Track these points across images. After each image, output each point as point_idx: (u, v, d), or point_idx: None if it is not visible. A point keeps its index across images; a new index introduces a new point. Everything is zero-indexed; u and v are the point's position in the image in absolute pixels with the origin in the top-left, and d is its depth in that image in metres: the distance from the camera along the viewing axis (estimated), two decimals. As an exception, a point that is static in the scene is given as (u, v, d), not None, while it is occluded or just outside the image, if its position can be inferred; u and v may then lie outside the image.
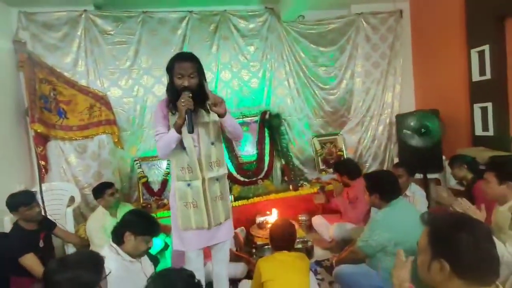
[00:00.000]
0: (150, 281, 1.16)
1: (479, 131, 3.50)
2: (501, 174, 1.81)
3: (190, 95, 1.76)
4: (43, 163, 3.28)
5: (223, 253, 2.10)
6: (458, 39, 3.66)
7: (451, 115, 3.77)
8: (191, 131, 1.77)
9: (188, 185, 1.93)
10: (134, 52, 3.61)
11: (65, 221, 3.04)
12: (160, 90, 3.68)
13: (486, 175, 1.90)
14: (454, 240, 0.98)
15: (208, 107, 1.83)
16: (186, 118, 1.75)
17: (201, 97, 1.84)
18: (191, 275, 1.18)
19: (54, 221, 2.72)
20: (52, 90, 3.33)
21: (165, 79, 3.67)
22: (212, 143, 1.96)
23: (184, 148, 1.90)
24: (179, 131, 1.81)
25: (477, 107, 3.49)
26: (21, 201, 2.30)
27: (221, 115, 1.83)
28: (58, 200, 3.20)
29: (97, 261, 1.23)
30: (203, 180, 1.93)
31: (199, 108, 1.86)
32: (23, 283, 2.17)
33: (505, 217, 1.91)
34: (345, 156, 4.16)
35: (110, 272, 1.28)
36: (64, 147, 3.42)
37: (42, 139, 3.31)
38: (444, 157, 3.60)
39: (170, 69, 1.86)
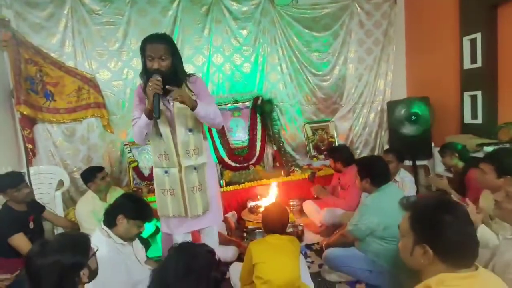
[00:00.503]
0: (172, 252, 1.14)
1: (468, 119, 3.55)
2: (501, 168, 1.78)
3: (159, 78, 1.69)
4: (30, 146, 3.22)
5: (210, 237, 2.12)
6: (451, 26, 3.66)
7: (441, 103, 3.80)
8: (157, 116, 1.71)
9: (166, 172, 1.92)
10: (123, 33, 3.50)
11: (54, 205, 3.01)
12: (151, 73, 3.60)
13: (483, 166, 1.88)
14: (436, 224, 0.99)
15: (172, 102, 1.78)
16: (154, 103, 1.68)
17: (174, 80, 1.78)
18: (210, 251, 1.17)
19: (43, 204, 2.69)
20: (39, 71, 3.23)
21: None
22: (190, 130, 1.91)
23: (161, 135, 1.86)
24: (149, 117, 1.77)
25: (467, 95, 3.53)
26: (7, 183, 2.27)
27: (191, 108, 1.78)
28: (46, 184, 3.15)
29: (81, 242, 1.22)
30: (180, 167, 1.90)
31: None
32: (12, 264, 2.14)
33: (489, 202, 1.96)
34: (336, 143, 4.18)
35: (97, 249, 1.26)
36: (52, 130, 3.35)
37: (29, 122, 3.23)
38: (433, 144, 3.66)
39: (142, 51, 1.79)
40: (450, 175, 3.01)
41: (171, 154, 1.88)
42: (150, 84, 1.69)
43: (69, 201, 3.33)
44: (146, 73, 1.78)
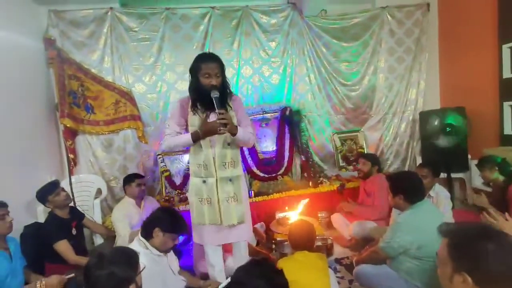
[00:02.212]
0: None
1: (508, 130, 3.37)
2: None
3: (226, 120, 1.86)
4: (72, 156, 3.43)
5: (242, 251, 2.17)
6: (488, 33, 3.51)
7: (478, 113, 3.64)
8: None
9: (204, 181, 2.02)
10: (157, 48, 3.67)
11: (93, 212, 3.18)
12: (183, 86, 3.73)
13: None
14: (475, 253, 0.97)
15: (219, 129, 1.90)
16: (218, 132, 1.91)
17: (224, 96, 1.97)
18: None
19: (83, 211, 2.85)
20: (80, 86, 3.46)
21: (187, 76, 3.78)
22: (228, 144, 2.03)
23: (201, 146, 1.99)
24: (195, 140, 1.94)
25: (507, 105, 3.36)
26: (46, 190, 2.45)
27: (232, 134, 1.95)
28: (86, 192, 3.34)
29: (132, 257, 1.30)
30: (217, 178, 2.00)
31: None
32: (57, 269, 2.29)
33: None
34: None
35: (144, 267, 1.35)
36: (92, 141, 3.56)
37: (71, 133, 3.45)
38: (469, 156, 3.50)
39: (195, 69, 1.95)
40: (489, 189, 2.88)
41: (210, 164, 1.99)
42: (221, 117, 1.85)
43: (106, 209, 3.50)
44: (200, 89, 1.93)
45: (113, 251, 1.29)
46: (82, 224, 2.72)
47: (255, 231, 3.07)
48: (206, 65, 1.91)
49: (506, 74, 3.33)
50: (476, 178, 3.33)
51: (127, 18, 3.56)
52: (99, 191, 3.39)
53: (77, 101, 3.43)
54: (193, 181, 2.06)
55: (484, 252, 0.96)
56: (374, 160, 3.25)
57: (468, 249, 1.00)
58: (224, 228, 2.05)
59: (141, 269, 1.33)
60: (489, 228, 1.06)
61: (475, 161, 3.01)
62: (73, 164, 3.45)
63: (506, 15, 3.29)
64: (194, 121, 1.99)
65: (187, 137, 1.95)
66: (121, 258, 1.25)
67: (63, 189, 2.55)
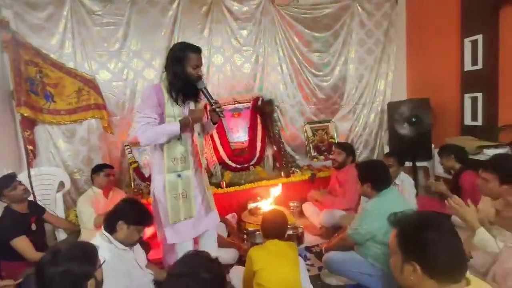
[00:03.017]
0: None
1: (468, 121, 3.54)
2: (504, 177, 1.77)
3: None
4: (30, 147, 3.21)
5: (212, 241, 2.17)
6: (452, 27, 3.64)
7: (442, 104, 3.81)
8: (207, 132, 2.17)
9: (179, 175, 1.95)
10: (123, 34, 3.48)
11: (55, 207, 3.02)
12: (151, 74, 3.59)
13: (485, 175, 1.86)
14: (421, 241, 0.99)
15: (215, 117, 2.00)
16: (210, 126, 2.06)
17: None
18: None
19: (44, 206, 2.70)
20: (39, 72, 3.21)
21: (155, 63, 3.65)
22: (199, 134, 2.05)
23: (178, 139, 1.92)
24: (183, 130, 1.88)
25: (467, 97, 3.53)
26: (1, 184, 2.29)
27: (215, 123, 2.05)
28: (47, 185, 3.16)
29: (90, 252, 1.23)
30: (195, 170, 2.01)
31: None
32: (14, 268, 2.16)
33: (489, 206, 1.97)
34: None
35: (104, 261, 1.28)
36: (52, 132, 3.34)
37: (29, 123, 3.22)
38: (433, 146, 3.66)
39: (181, 58, 1.88)
40: (449, 176, 3.03)
41: (188, 156, 1.97)
42: (218, 106, 1.94)
43: (70, 203, 3.33)
44: (187, 79, 1.90)
45: (69, 246, 1.22)
46: (42, 219, 2.57)
47: (226, 222, 3.05)
48: (195, 55, 1.90)
49: (467, 67, 3.49)
50: (439, 167, 3.49)
51: (89, 1, 3.33)
52: (61, 184, 3.21)
53: (35, 88, 3.19)
54: (167, 177, 1.92)
55: (428, 240, 0.98)
56: (349, 150, 3.26)
57: (414, 238, 1.02)
58: (196, 220, 2.02)
59: (101, 263, 1.26)
60: (433, 215, 1.07)
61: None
62: (32, 156, 3.23)
63: (468, 9, 3.42)
64: (174, 111, 1.90)
65: (173, 127, 1.84)
66: (78, 253, 1.18)
67: (20, 183, 2.40)
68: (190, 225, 2.01)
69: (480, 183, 1.91)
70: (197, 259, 1.15)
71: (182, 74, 1.88)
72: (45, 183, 3.16)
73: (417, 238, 1.00)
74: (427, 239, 0.98)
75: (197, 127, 2.04)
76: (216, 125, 2.14)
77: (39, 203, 2.75)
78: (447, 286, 0.97)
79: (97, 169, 2.83)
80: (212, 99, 1.95)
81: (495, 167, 1.83)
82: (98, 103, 3.41)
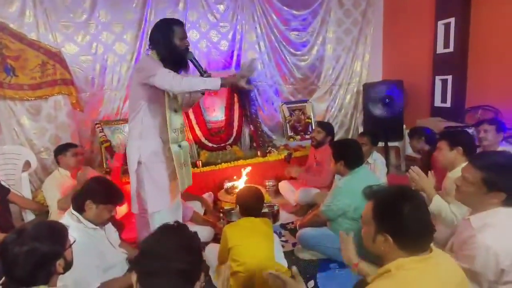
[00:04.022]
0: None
1: (438, 103, 3.67)
2: (452, 141, 1.95)
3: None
4: (-9, 124, 3.01)
5: (179, 213, 2.28)
6: (427, 10, 3.69)
7: (414, 86, 3.91)
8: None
9: (179, 146, 2.09)
10: (90, 4, 3.27)
11: (21, 187, 2.87)
12: (122, 48, 3.42)
13: (439, 144, 2.03)
14: (396, 215, 1.04)
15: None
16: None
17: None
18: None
19: (8, 186, 2.56)
20: (-4, 43, 2.97)
21: (126, 37, 3.47)
22: (175, 110, 2.10)
23: (175, 111, 2.04)
24: (225, 86, 1.88)
25: (438, 79, 3.64)
26: None
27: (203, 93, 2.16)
28: (11, 164, 2.99)
29: (59, 231, 1.19)
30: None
31: None
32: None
33: (452, 184, 2.08)
34: (313, 124, 4.22)
35: (75, 241, 1.24)
36: (15, 108, 3.13)
37: (-12, 98, 3.01)
38: (404, 127, 3.78)
39: (167, 32, 1.94)
40: (419, 156, 3.15)
41: (184, 127, 2.17)
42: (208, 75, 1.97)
43: (37, 183, 3.18)
44: (177, 51, 1.96)
45: (36, 226, 1.17)
46: (7, 199, 2.45)
47: (202, 200, 3.04)
48: (179, 28, 1.97)
49: (439, 50, 3.57)
50: (409, 147, 3.64)
51: (51, -35, 3.08)
52: (27, 164, 3.05)
53: (-7, 60, 2.96)
54: (173, 148, 2.02)
55: (401, 212, 1.02)
56: (329, 130, 3.26)
57: (388, 210, 1.06)
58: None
59: (70, 243, 1.22)
60: (407, 189, 1.11)
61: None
62: (-7, 133, 3.04)
63: (443, -8, 3.47)
64: None
65: (215, 81, 1.86)
66: (45, 233, 1.14)
67: None
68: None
69: (436, 153, 2.03)
70: (173, 240, 1.00)
71: (172, 48, 1.94)
72: (9, 162, 2.99)
73: (392, 211, 1.04)
74: (401, 213, 1.02)
75: (173, 103, 2.04)
76: (201, 97, 2.23)
77: (3, 183, 2.61)
78: (415, 254, 1.02)
79: (62, 149, 2.60)
80: (202, 68, 2.00)
81: (444, 135, 2.05)
82: (65, 78, 3.22)
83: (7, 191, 2.49)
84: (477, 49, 3.30)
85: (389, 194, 1.11)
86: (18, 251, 1.08)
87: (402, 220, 1.02)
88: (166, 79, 1.82)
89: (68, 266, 1.21)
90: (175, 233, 1.02)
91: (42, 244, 1.11)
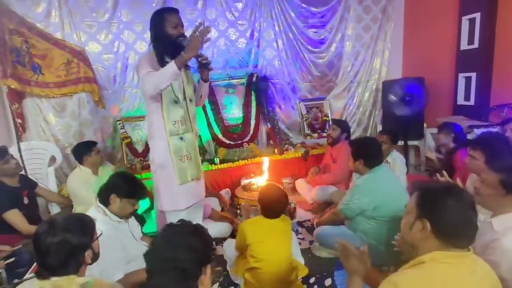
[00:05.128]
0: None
1: (461, 100, 3.57)
2: (489, 155, 1.80)
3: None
4: (19, 121, 3.14)
5: (200, 211, 2.25)
6: (451, 5, 3.59)
7: (436, 84, 3.81)
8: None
9: (181, 138, 2.02)
10: (112, 3, 3.35)
11: (47, 181, 2.99)
12: (143, 47, 3.49)
13: (473, 152, 1.90)
14: (440, 203, 1.04)
15: (205, 72, 2.00)
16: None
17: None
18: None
19: (35, 180, 2.67)
20: (24, 43, 3.09)
21: (147, 36, 3.49)
22: (190, 100, 2.10)
23: (175, 102, 1.97)
24: (180, 67, 1.78)
25: (461, 76, 3.53)
26: None
27: (206, 79, 2.05)
28: (38, 159, 3.10)
29: (87, 224, 1.24)
30: (193, 132, 2.09)
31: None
32: (8, 240, 2.16)
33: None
34: (330, 122, 4.19)
35: (101, 233, 1.29)
36: (42, 105, 3.26)
37: (17, 96, 3.13)
38: (425, 125, 3.69)
39: (159, 23, 1.90)
40: (441, 156, 3.07)
41: (187, 119, 2.04)
42: (204, 58, 1.93)
43: (62, 177, 3.30)
44: (169, 39, 1.90)
45: (66, 218, 1.22)
46: (34, 193, 2.55)
47: (220, 197, 3.08)
48: (171, 15, 1.91)
49: (463, 46, 3.47)
50: (430, 146, 3.55)
51: (75, -33, 3.18)
52: (53, 159, 3.17)
53: (21, 59, 3.08)
54: (170, 140, 1.99)
55: (445, 204, 1.03)
56: (344, 127, 3.28)
57: (433, 199, 1.06)
58: (195, 184, 2.13)
59: (97, 236, 1.27)
60: (456, 186, 1.12)
61: (430, 130, 3.18)
62: (21, 129, 3.17)
63: (468, -14, 3.36)
64: None
65: (170, 66, 1.75)
66: (75, 225, 1.19)
67: (12, 157, 2.36)
68: (187, 191, 2.08)
69: (467, 161, 1.96)
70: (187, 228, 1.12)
71: (165, 36, 1.90)
72: (36, 157, 3.11)
73: (437, 200, 1.05)
74: (445, 202, 1.02)
75: (189, 92, 2.06)
76: (208, 84, 2.15)
77: (31, 177, 2.72)
78: (448, 249, 1.01)
79: (85, 149, 2.62)
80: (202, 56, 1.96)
81: (482, 145, 1.88)
82: (88, 76, 3.33)
83: (35, 184, 2.59)
84: (503, 45, 3.18)
85: (437, 185, 1.12)
86: (50, 242, 1.12)
87: (444, 209, 1.02)
88: (145, 83, 1.83)
89: (95, 257, 1.26)
90: (175, 233, 1.09)
91: (73, 235, 1.16)
